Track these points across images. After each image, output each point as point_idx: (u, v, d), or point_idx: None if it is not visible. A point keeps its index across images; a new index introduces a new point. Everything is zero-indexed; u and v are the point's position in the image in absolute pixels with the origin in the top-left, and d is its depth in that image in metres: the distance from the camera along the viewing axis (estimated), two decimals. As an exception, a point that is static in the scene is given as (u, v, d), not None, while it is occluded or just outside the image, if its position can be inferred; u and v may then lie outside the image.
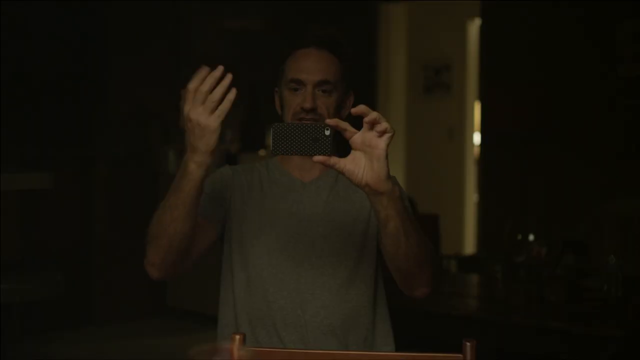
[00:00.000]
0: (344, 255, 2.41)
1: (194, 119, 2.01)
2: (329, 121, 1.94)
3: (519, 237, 4.00)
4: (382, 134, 1.92)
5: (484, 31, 7.03)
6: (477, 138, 8.41)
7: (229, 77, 2.10)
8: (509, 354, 3.93)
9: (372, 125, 1.91)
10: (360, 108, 1.91)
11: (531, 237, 4.00)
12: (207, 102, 2.02)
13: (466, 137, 8.76)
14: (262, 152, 7.38)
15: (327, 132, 1.91)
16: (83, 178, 6.46)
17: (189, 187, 2.12)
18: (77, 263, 6.32)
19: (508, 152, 6.63)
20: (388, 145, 1.94)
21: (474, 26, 8.31)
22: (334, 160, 1.93)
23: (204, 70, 2.05)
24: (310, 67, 2.44)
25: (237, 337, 1.96)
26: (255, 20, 7.55)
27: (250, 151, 7.34)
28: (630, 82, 6.02)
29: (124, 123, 6.64)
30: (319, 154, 1.92)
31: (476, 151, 8.41)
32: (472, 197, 8.53)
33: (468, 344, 1.95)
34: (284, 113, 2.51)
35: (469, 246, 8.12)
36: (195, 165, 2.07)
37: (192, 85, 2.02)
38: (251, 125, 7.52)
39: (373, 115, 1.91)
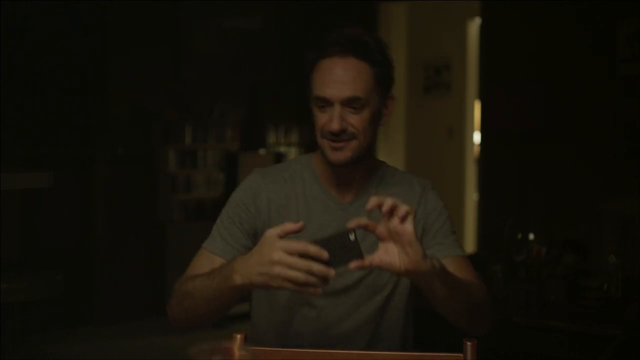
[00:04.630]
0: (380, 285, 2.30)
1: (276, 249, 1.83)
2: (351, 224, 1.81)
3: (519, 236, 4.01)
4: (404, 218, 1.84)
5: (483, 30, 7.02)
6: (477, 137, 8.41)
7: (331, 273, 1.81)
8: (509, 354, 3.93)
9: (391, 212, 1.84)
10: (372, 203, 1.83)
11: (531, 237, 4.01)
12: (295, 268, 1.81)
13: (466, 137, 8.76)
14: (261, 152, 7.38)
15: (352, 237, 1.81)
16: (83, 178, 6.46)
17: (229, 294, 1.98)
18: (77, 263, 6.32)
19: (508, 151, 6.63)
20: (415, 227, 1.85)
21: (474, 25, 8.31)
22: (368, 261, 1.83)
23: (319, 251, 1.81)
24: (336, 81, 2.17)
25: (239, 336, 1.96)
26: (255, 20, 7.55)
27: (250, 150, 7.34)
28: (630, 81, 6.02)
29: (124, 123, 6.64)
30: (352, 260, 1.82)
31: (476, 150, 8.41)
32: (472, 197, 8.53)
33: (468, 343, 1.95)
34: (315, 127, 2.26)
35: (469, 245, 8.12)
36: (240, 284, 1.92)
37: (307, 249, 1.81)
38: (251, 125, 7.53)
39: (388, 204, 1.82)
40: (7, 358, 4.36)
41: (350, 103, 2.16)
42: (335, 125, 2.16)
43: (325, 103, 2.18)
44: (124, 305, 6.55)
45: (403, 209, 1.83)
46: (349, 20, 7.66)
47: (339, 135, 2.18)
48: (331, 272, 1.80)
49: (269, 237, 1.86)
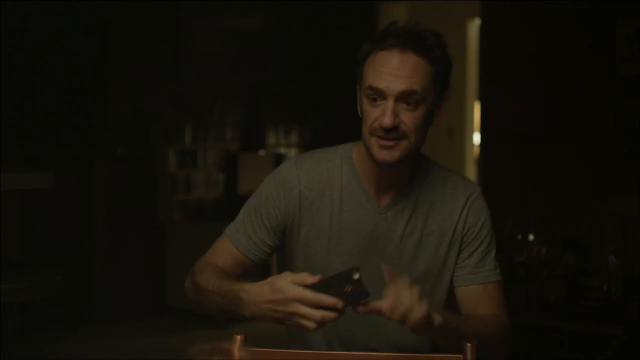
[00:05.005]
0: None
1: (290, 299, 1.84)
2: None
3: (519, 236, 4.00)
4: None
5: (483, 31, 7.02)
6: (477, 138, 8.41)
7: (338, 316, 1.83)
8: (509, 353, 3.92)
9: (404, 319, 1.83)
10: (366, 310, 1.82)
11: (531, 237, 4.01)
12: (308, 314, 1.82)
13: (466, 137, 8.76)
14: (261, 152, 7.38)
15: (357, 276, 1.79)
16: (83, 178, 6.45)
17: (237, 312, 1.99)
18: (77, 263, 6.32)
19: (508, 151, 6.63)
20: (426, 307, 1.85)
21: (474, 26, 8.31)
22: (375, 307, 1.83)
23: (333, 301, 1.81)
24: (392, 74, 2.04)
25: (239, 337, 1.95)
26: (255, 20, 7.55)
27: (251, 150, 7.34)
28: (630, 81, 6.02)
29: (124, 122, 6.63)
30: (358, 302, 1.81)
31: (476, 151, 8.41)
32: (472, 197, 8.52)
33: (468, 344, 1.95)
34: (363, 122, 2.13)
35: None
36: (249, 316, 1.95)
37: (324, 300, 1.81)
38: (251, 125, 7.53)
39: (397, 313, 1.82)
40: (7, 358, 4.36)
41: (405, 98, 2.04)
42: (387, 121, 2.03)
43: (379, 96, 2.06)
44: (124, 305, 6.55)
45: (414, 315, 1.82)
46: (349, 20, 7.66)
47: (390, 133, 2.06)
48: (338, 314, 1.81)
49: (284, 283, 1.86)
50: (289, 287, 1.84)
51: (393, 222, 2.18)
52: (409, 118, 2.06)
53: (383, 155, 2.08)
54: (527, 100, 6.47)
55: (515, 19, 6.63)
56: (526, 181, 6.52)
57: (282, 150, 7.64)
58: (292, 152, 7.68)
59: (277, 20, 7.67)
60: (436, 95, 2.10)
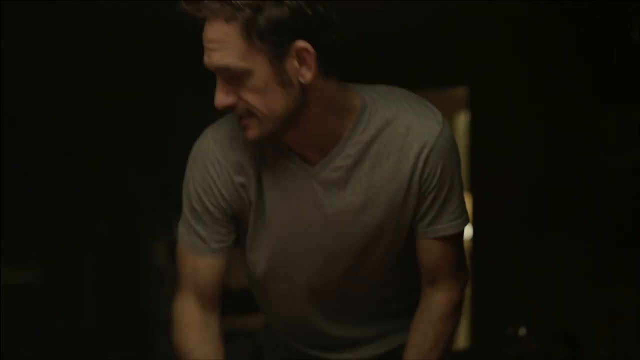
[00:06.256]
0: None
1: None
2: None
3: (510, 331, 3.98)
4: None
5: (472, 124, 7.06)
6: (468, 231, 8.40)
7: None
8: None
9: None
10: None
11: (522, 331, 3.98)
12: None
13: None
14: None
15: None
16: (69, 270, 6.40)
17: None
18: (63, 357, 6.23)
19: (499, 242, 6.61)
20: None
21: (462, 119, 8.37)
22: None
23: None
24: (207, 47, 1.80)
25: None
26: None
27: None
28: (621, 174, 6.04)
29: (111, 214, 6.61)
30: None
31: (467, 245, 8.39)
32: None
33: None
34: None
35: (460, 339, 8.06)
36: None
37: None
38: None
39: None
40: None
41: (227, 74, 1.79)
42: (215, 102, 1.85)
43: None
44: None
45: None
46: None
47: (236, 112, 1.85)
48: None
49: None
50: None
51: (323, 181, 1.94)
52: (244, 93, 1.80)
53: (246, 136, 1.88)
54: (518, 191, 6.48)
55: (504, 110, 6.68)
56: (516, 272, 6.49)
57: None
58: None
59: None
60: (273, 55, 1.76)
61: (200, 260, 2.10)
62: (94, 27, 6.40)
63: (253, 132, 1.85)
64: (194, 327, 2.12)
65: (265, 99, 1.79)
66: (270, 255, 2.07)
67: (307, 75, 1.79)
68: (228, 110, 1.86)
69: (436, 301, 2.05)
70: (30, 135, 6.20)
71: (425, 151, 1.90)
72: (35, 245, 6.11)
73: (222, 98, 1.82)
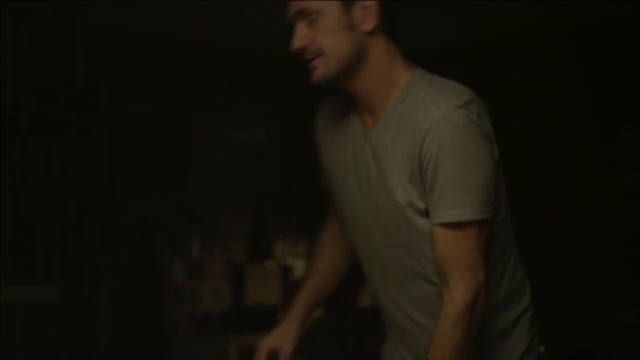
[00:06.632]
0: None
1: None
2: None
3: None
4: None
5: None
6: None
7: None
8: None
9: None
10: None
11: (542, 349, 3.96)
12: None
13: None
14: (269, 263, 7.36)
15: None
16: (88, 287, 6.42)
17: None
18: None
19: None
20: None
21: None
22: None
23: None
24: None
25: None
26: (260, 131, 7.60)
27: (258, 261, 7.32)
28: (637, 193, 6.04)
29: (130, 232, 6.63)
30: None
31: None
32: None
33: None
34: None
35: None
36: None
37: None
38: (257, 236, 7.51)
39: None
40: None
41: (303, 18, 2.07)
42: (292, 44, 2.09)
43: (291, 22, 2.11)
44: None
45: None
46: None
47: (306, 55, 2.09)
48: None
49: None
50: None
51: (370, 146, 2.12)
52: (316, 35, 2.06)
53: (313, 77, 2.11)
54: (531, 211, 6.48)
55: (509, 131, 6.69)
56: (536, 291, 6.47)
57: (290, 261, 7.61)
58: (300, 263, 7.65)
59: (283, 131, 7.73)
60: (341, 3, 2.06)
61: None
62: (111, 49, 6.47)
63: (319, 72, 2.09)
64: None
65: (334, 38, 2.05)
66: (343, 212, 2.27)
67: (369, 24, 2.06)
68: (302, 52, 2.08)
69: (443, 303, 1.99)
70: (51, 155, 6.24)
71: (425, 128, 1.98)
72: (55, 263, 6.13)
73: (298, 41, 2.07)
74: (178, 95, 6.97)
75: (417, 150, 1.98)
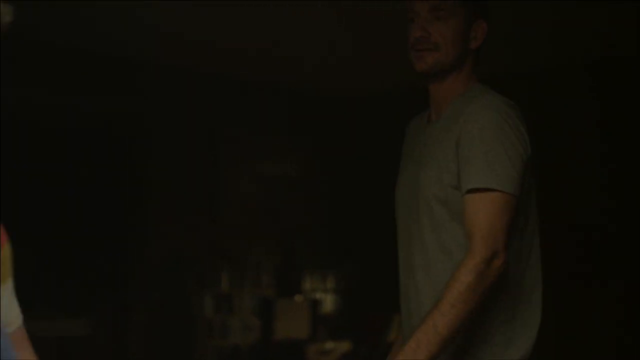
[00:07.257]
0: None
1: None
2: None
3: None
4: None
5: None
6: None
7: None
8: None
9: None
10: None
11: None
12: None
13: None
14: (298, 298, 7.36)
15: None
16: (119, 321, 6.45)
17: None
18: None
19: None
20: None
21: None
22: None
23: None
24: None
25: None
26: (291, 166, 7.64)
27: (287, 295, 7.33)
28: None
29: (160, 267, 6.66)
30: None
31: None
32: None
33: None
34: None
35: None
36: None
37: None
38: (287, 271, 7.53)
39: None
40: None
41: (434, 12, 2.28)
42: (417, 31, 2.29)
43: (414, 14, 2.31)
44: None
45: None
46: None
47: (422, 43, 2.28)
48: None
49: None
50: None
51: (432, 134, 2.32)
52: (439, 29, 2.28)
53: (418, 64, 2.31)
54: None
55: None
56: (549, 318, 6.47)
57: (319, 295, 7.61)
58: (329, 298, 7.65)
59: (312, 166, 7.76)
60: (468, 14, 2.31)
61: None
62: (149, 82, 6.54)
63: (428, 61, 2.29)
64: None
65: (451, 41, 2.28)
66: (395, 196, 2.46)
67: (478, 42, 2.33)
68: (418, 42, 2.29)
69: (463, 259, 2.13)
70: (84, 192, 6.30)
71: (470, 111, 2.23)
72: (86, 297, 6.17)
73: (420, 30, 2.27)
74: (209, 130, 7.02)
75: (459, 128, 2.22)
